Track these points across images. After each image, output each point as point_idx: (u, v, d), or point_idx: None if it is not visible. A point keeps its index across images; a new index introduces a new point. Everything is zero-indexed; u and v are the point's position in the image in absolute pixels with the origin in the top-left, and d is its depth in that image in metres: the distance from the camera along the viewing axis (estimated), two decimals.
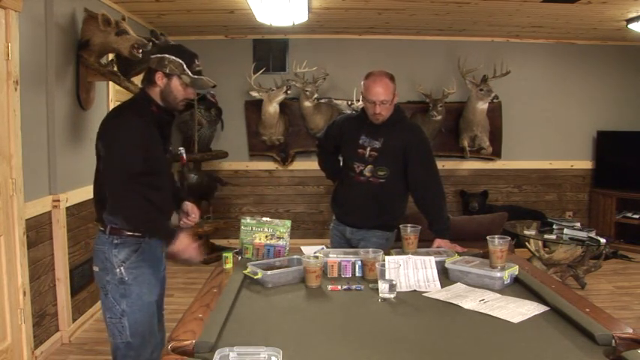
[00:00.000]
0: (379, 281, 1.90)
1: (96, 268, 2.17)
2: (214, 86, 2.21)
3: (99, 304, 3.90)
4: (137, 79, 4.19)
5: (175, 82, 2.10)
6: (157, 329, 2.25)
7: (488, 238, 2.08)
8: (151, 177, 2.11)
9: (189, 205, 2.38)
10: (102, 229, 2.14)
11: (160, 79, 2.10)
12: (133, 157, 2.03)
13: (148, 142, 2.07)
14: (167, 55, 2.09)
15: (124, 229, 2.11)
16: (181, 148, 4.79)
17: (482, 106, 5.49)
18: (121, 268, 2.11)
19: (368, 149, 2.72)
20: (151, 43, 3.45)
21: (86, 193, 3.70)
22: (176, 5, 4.35)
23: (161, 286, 2.31)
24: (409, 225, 2.39)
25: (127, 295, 2.11)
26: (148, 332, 2.16)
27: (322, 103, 5.70)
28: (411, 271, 2.11)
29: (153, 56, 2.14)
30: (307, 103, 5.54)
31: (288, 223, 2.40)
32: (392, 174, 2.71)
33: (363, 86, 2.69)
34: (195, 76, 2.12)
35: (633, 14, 4.51)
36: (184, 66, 2.09)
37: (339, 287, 2.02)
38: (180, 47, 2.17)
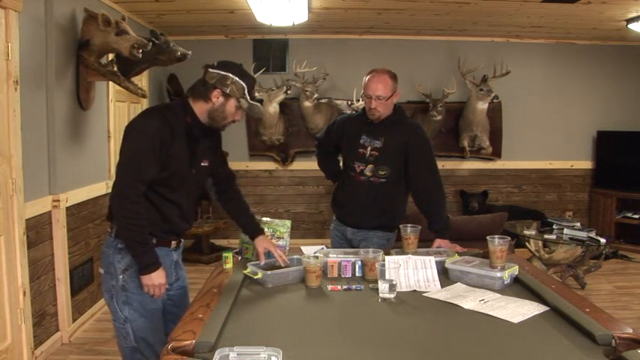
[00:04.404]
0: (379, 281, 1.90)
1: (101, 270, 2.10)
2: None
3: (99, 304, 3.95)
4: (137, 79, 4.20)
5: (232, 104, 2.04)
6: (165, 332, 2.14)
7: (488, 238, 2.08)
8: (165, 188, 2.04)
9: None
10: (109, 230, 2.08)
11: (216, 97, 2.02)
12: (143, 159, 1.95)
13: (164, 148, 1.97)
14: (230, 75, 2.02)
15: None
16: None
17: (482, 106, 5.49)
18: (124, 275, 2.03)
19: (369, 149, 2.71)
20: (151, 43, 3.45)
21: (86, 193, 3.71)
22: (176, 5, 4.35)
23: (171, 295, 2.19)
24: (409, 225, 2.39)
25: (129, 303, 2.04)
26: (152, 337, 2.09)
27: (322, 103, 5.70)
28: (411, 271, 2.11)
29: (213, 71, 2.03)
30: (307, 103, 5.54)
31: (288, 223, 2.41)
32: (393, 173, 2.71)
33: (363, 82, 2.69)
34: (253, 102, 2.07)
35: (633, 14, 4.51)
36: (245, 90, 2.03)
37: (339, 287, 2.02)
38: (242, 68, 2.08)
